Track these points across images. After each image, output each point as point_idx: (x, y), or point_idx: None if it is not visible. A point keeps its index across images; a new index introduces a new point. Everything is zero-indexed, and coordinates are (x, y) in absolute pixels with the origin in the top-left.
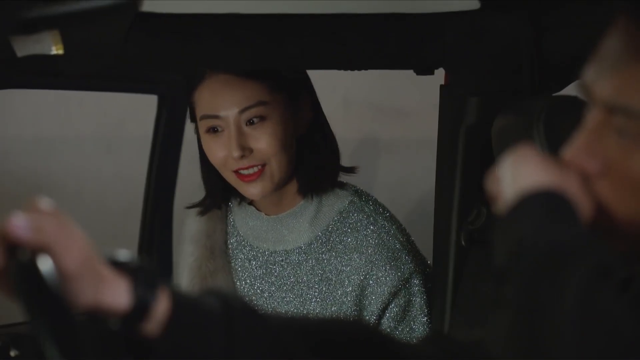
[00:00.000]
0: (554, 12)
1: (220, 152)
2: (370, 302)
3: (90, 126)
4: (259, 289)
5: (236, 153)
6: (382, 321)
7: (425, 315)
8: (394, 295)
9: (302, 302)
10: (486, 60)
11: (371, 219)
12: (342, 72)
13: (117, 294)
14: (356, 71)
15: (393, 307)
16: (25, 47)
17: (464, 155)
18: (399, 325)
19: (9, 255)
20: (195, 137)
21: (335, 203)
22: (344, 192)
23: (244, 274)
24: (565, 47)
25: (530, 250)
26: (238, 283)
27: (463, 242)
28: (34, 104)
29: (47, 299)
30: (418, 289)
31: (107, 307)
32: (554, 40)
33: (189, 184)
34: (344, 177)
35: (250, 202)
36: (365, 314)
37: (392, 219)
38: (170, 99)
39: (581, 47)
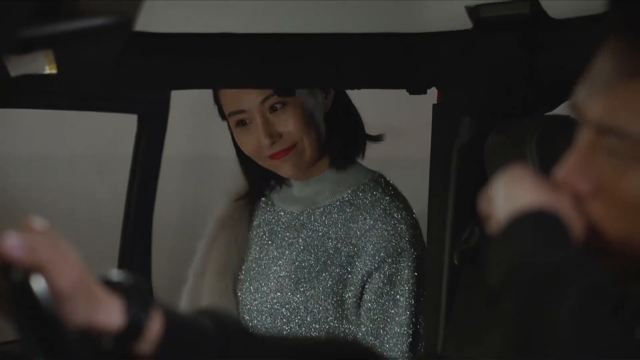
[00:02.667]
0: (546, 33)
1: (252, 142)
2: (359, 266)
3: (82, 145)
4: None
5: (266, 140)
6: (366, 288)
7: (409, 293)
8: (381, 261)
9: (296, 267)
10: (479, 79)
11: (384, 200)
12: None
13: (111, 314)
14: (349, 91)
15: (379, 274)
16: (19, 66)
17: (457, 174)
18: (380, 297)
19: (3, 274)
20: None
21: (357, 176)
22: (368, 171)
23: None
24: (558, 67)
25: (524, 271)
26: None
27: (456, 262)
28: (27, 123)
29: (40, 319)
30: (406, 265)
31: (101, 326)
32: (547, 60)
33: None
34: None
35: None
36: (351, 277)
37: (406, 209)
38: (150, 118)
39: (573, 67)
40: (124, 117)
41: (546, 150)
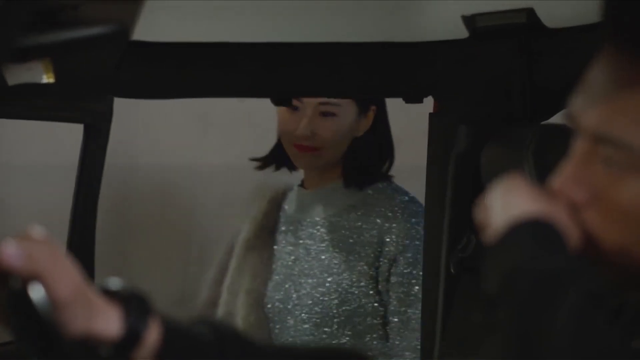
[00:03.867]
0: (543, 41)
1: (291, 126)
2: (384, 253)
3: (76, 154)
4: (288, 260)
5: (305, 132)
6: (391, 271)
7: None
8: (404, 247)
9: (322, 270)
10: (476, 88)
11: (400, 195)
12: None
13: (109, 322)
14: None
15: (403, 258)
16: (17, 75)
17: (453, 183)
18: (404, 279)
19: (1, 283)
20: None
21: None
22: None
23: (280, 245)
24: (554, 76)
25: (521, 279)
26: (275, 255)
27: (452, 270)
28: (22, 132)
29: (38, 327)
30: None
31: (99, 335)
32: (543, 69)
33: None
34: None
35: (300, 183)
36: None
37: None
38: (96, 128)
39: (569, 76)
40: (118, 127)
41: (542, 159)
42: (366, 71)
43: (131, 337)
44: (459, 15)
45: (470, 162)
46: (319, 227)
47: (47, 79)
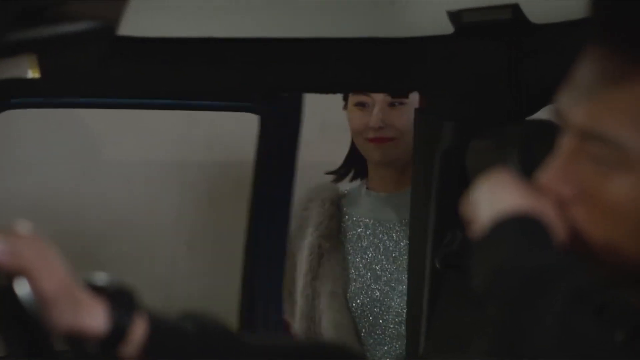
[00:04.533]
0: (528, 38)
1: (362, 121)
2: None
3: (67, 149)
4: (368, 260)
5: (378, 123)
6: None
7: None
8: None
9: (399, 275)
10: (462, 84)
11: None
12: (319, 96)
13: (95, 318)
14: (333, 95)
15: None
16: (3, 70)
17: (439, 179)
18: None
19: None
20: None
21: None
22: None
23: (355, 247)
24: (540, 72)
25: (509, 276)
26: (350, 257)
27: (438, 265)
28: (11, 126)
29: (24, 323)
30: None
31: (85, 330)
32: (529, 65)
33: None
34: None
35: (367, 187)
36: None
37: None
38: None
39: (556, 72)
40: (110, 121)
41: (529, 155)
42: (353, 67)
43: (117, 333)
44: (445, 10)
45: (456, 157)
46: (397, 229)
47: (33, 74)
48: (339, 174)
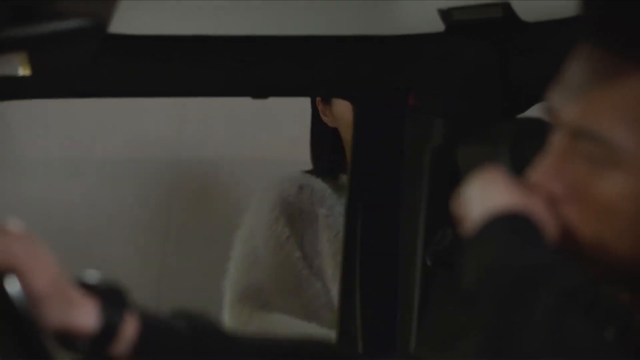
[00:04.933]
0: (519, 35)
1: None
2: None
3: (57, 148)
4: None
5: None
6: None
7: None
8: None
9: None
10: (453, 82)
11: None
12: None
13: (85, 316)
14: None
15: None
16: None
17: (430, 176)
18: None
19: None
20: None
21: None
22: None
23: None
24: (531, 70)
25: (500, 273)
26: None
27: (428, 263)
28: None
29: (15, 321)
30: None
31: (75, 328)
32: (520, 63)
33: None
34: None
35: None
36: None
37: None
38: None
39: (547, 70)
40: (100, 119)
41: (519, 153)
42: (343, 65)
43: (107, 331)
44: (436, 9)
45: (447, 155)
46: None
47: (23, 71)
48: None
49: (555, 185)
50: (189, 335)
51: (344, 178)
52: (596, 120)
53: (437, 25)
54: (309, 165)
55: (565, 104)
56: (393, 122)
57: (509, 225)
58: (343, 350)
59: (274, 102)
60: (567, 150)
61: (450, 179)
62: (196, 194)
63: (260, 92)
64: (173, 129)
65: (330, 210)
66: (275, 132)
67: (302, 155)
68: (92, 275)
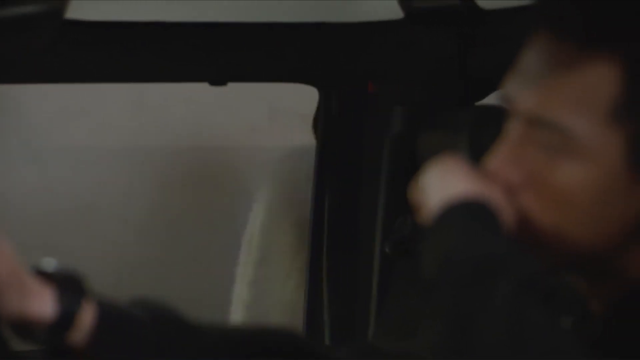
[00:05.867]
0: (479, 24)
1: None
2: None
3: (16, 135)
4: None
5: None
6: None
7: None
8: None
9: None
10: (412, 70)
11: None
12: None
13: (43, 304)
14: None
15: None
16: None
17: (389, 164)
18: None
19: None
20: None
21: None
22: None
23: None
24: (489, 58)
25: (458, 261)
26: None
27: (387, 251)
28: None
29: None
30: None
31: (32, 317)
32: (478, 51)
33: None
34: None
35: None
36: None
37: None
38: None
39: (504, 58)
40: (59, 107)
41: (478, 140)
42: (303, 52)
43: (65, 319)
44: None
45: (406, 143)
46: None
47: None
48: None
49: (512, 173)
50: (148, 324)
51: None
52: (552, 108)
53: (397, 13)
54: (268, 152)
55: (521, 92)
56: (354, 110)
57: (467, 213)
58: (306, 339)
59: (232, 88)
60: (523, 138)
61: (410, 167)
62: (155, 182)
63: (219, 78)
64: (131, 116)
65: None
66: (234, 118)
67: (261, 141)
68: (49, 264)
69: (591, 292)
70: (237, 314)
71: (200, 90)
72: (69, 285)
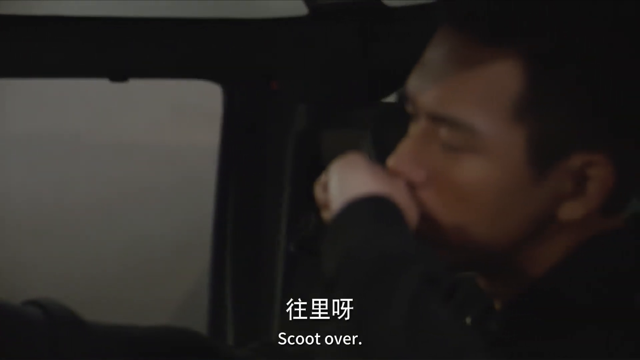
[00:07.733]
0: (383, 21)
1: None
2: None
3: None
4: None
5: None
6: None
7: None
8: None
9: None
10: (316, 67)
11: None
12: None
13: None
14: None
15: None
16: None
17: (293, 161)
18: None
19: None
20: None
21: None
22: None
23: None
24: (393, 55)
25: (359, 259)
26: None
27: (292, 249)
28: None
29: None
30: None
31: None
32: (382, 48)
33: None
34: None
35: None
36: None
37: None
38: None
39: (408, 56)
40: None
41: (381, 138)
42: (206, 48)
43: None
44: None
45: (310, 140)
46: None
47: None
48: None
49: (415, 171)
50: (43, 323)
51: None
52: (454, 105)
53: (301, 9)
54: (170, 150)
55: (423, 89)
56: (257, 107)
57: (370, 211)
58: (210, 339)
59: (134, 85)
60: (425, 135)
61: (314, 165)
62: (55, 177)
63: (118, 74)
64: (30, 112)
65: None
66: (135, 116)
67: (165, 139)
68: None
69: (492, 289)
70: None
71: (100, 87)
72: None
